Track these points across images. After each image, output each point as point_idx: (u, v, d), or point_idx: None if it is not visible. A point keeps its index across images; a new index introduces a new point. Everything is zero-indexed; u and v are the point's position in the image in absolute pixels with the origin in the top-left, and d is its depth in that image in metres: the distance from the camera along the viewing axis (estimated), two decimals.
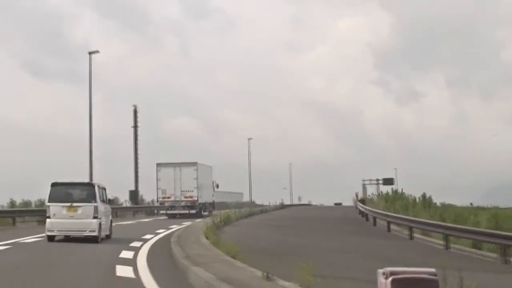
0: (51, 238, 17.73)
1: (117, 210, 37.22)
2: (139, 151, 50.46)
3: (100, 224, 17.81)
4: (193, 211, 36.85)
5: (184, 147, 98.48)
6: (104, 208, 18.81)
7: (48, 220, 17.70)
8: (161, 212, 38.60)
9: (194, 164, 38.07)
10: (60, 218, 17.56)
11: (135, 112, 50.57)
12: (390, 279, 4.15)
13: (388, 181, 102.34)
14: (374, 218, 29.14)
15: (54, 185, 18.24)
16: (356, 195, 43.09)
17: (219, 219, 22.89)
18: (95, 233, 17.56)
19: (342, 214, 39.57)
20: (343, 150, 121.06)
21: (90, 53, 34.70)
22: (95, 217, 17.57)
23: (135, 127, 49.80)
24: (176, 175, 37.19)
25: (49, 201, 18.05)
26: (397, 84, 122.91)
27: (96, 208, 17.68)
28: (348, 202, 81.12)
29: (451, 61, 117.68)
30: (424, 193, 32.89)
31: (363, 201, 40.39)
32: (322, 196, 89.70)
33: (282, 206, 50.14)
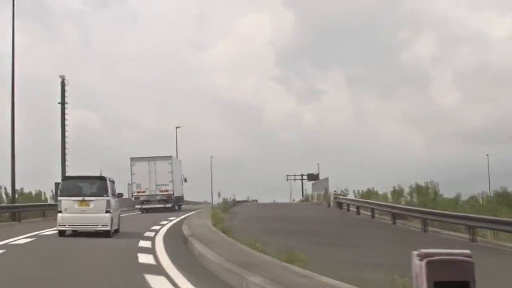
0: (62, 233, 17.66)
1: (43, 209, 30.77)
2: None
3: (112, 218, 17.75)
4: (169, 205, 36.80)
5: (84, 142, 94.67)
6: (114, 202, 18.57)
7: (59, 214, 17.61)
8: (136, 206, 37.69)
9: (169, 157, 38.42)
10: (72, 213, 17.50)
11: (63, 85, 42.15)
12: (425, 261, 4.14)
13: (313, 177, 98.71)
14: (393, 216, 24.89)
15: (65, 179, 19.09)
16: (326, 190, 41.25)
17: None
18: (108, 227, 17.54)
19: (319, 214, 33.91)
20: (247, 146, 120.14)
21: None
22: (107, 211, 17.57)
23: (63, 103, 41.31)
24: (150, 169, 36.89)
25: (60, 195, 17.98)
26: (298, 81, 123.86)
27: (108, 202, 17.65)
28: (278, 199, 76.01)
29: (352, 61, 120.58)
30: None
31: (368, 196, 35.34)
32: (237, 191, 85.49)
33: (235, 203, 43.39)
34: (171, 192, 37.57)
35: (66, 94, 40.92)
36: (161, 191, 37.26)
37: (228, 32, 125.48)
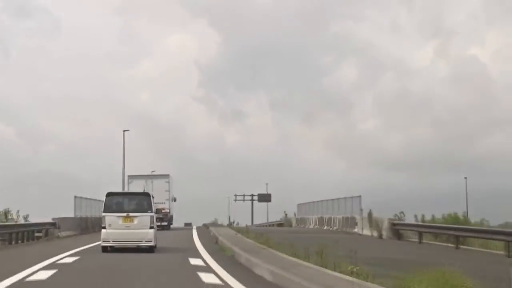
0: (105, 249, 17.57)
1: None
2: None
3: (155, 234, 17.92)
4: (165, 223, 36.36)
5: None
6: (155, 218, 18.63)
7: (103, 230, 17.63)
8: None
9: (166, 176, 38.44)
10: (116, 229, 17.48)
11: None
12: None
13: (265, 197, 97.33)
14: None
15: (109, 195, 18.34)
16: (370, 214, 31.04)
17: None
18: (152, 243, 17.64)
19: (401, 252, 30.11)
20: (169, 165, 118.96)
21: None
22: (151, 227, 17.64)
23: None
24: (148, 187, 35.85)
25: (104, 211, 17.90)
26: (221, 102, 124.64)
27: (152, 218, 17.79)
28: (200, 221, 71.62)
29: (276, 84, 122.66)
30: None
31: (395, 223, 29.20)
32: None
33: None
34: (168, 211, 37.81)
35: None
36: (158, 209, 36.64)
37: (153, 50, 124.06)
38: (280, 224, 56.84)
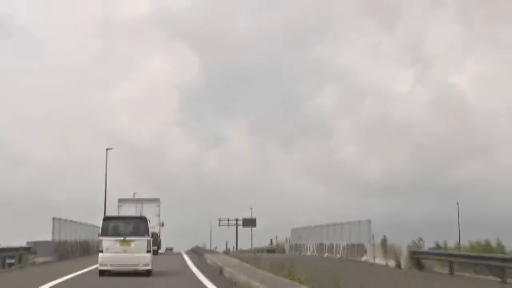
0: (103, 273, 17.48)
1: None
2: None
3: (152, 258, 17.95)
4: (155, 247, 33.88)
5: None
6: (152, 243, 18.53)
7: (100, 254, 17.58)
8: None
9: (156, 200, 38.03)
10: (113, 252, 17.45)
11: None
12: None
13: (250, 222, 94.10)
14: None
15: (106, 219, 18.72)
16: (384, 241, 27.85)
17: None
18: (149, 267, 17.64)
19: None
20: (148, 188, 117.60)
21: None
22: (148, 251, 17.70)
23: None
24: (137, 212, 35.66)
25: (101, 235, 17.84)
26: (201, 127, 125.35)
27: (149, 242, 17.82)
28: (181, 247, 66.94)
29: (255, 109, 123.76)
30: None
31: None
32: None
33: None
34: (158, 235, 36.10)
35: None
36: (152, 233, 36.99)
37: (132, 73, 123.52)
38: (270, 250, 53.51)
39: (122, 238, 17.62)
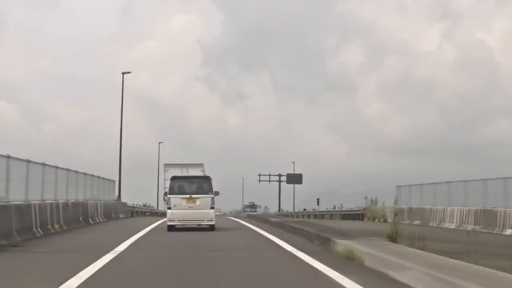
0: (171, 228, 18.86)
1: None
2: None
3: (215, 214, 19.60)
4: None
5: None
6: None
7: (169, 211, 19.06)
8: None
9: (201, 165, 39.10)
10: (180, 209, 18.88)
11: None
12: None
13: (295, 178, 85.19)
14: None
15: (173, 178, 20.00)
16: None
17: None
18: (213, 222, 19.22)
19: None
20: (169, 147, 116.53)
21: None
22: (212, 208, 19.18)
23: None
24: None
25: (169, 193, 19.37)
26: (224, 83, 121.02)
27: (213, 199, 19.22)
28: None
29: (279, 65, 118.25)
30: None
31: None
32: None
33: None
34: None
35: None
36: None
37: (155, 30, 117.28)
38: (356, 216, 40.17)
39: (188, 195, 19.08)
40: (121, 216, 32.26)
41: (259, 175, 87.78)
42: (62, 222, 18.23)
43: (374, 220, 34.57)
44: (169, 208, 19.01)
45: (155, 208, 79.21)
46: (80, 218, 21.36)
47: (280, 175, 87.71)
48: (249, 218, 32.74)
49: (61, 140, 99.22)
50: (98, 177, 26.89)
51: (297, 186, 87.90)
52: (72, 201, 20.88)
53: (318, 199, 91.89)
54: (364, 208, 38.12)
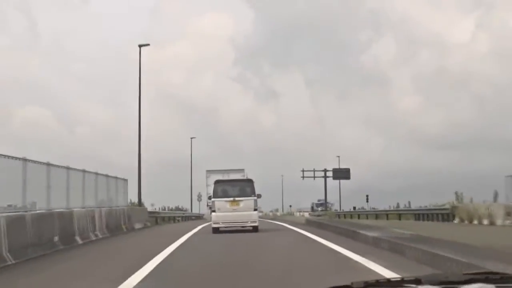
0: (216, 230, 19.32)
1: None
2: None
3: (258, 216, 20.19)
4: None
5: (35, 140, 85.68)
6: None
7: (213, 213, 19.64)
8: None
9: (241, 170, 40.44)
10: (224, 212, 19.39)
11: None
12: None
13: (342, 174, 76.49)
14: None
15: (217, 182, 20.69)
16: None
17: None
18: (256, 224, 19.53)
19: None
20: (203, 146, 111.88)
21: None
22: (255, 209, 19.78)
23: None
24: None
25: (213, 197, 19.89)
26: (256, 81, 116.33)
27: (255, 201, 19.80)
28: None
29: (311, 61, 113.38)
30: None
31: None
32: None
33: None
34: None
35: None
36: None
37: (186, 29, 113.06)
38: (437, 216, 32.59)
39: (231, 198, 19.60)
40: (137, 226, 24.51)
41: (303, 171, 79.45)
42: (4, 253, 10.33)
43: (470, 221, 25.79)
44: (214, 211, 19.58)
45: (189, 210, 72.32)
46: (56, 238, 13.42)
47: (326, 170, 79.20)
48: (312, 225, 23.98)
49: (95, 143, 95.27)
50: (97, 173, 19.10)
51: (334, 182, 79.68)
52: (38, 211, 12.99)
53: (367, 196, 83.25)
54: (454, 206, 29.26)
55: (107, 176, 20.67)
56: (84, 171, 16.96)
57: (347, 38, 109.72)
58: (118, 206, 22.30)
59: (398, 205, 48.35)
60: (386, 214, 43.23)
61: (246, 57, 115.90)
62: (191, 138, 68.66)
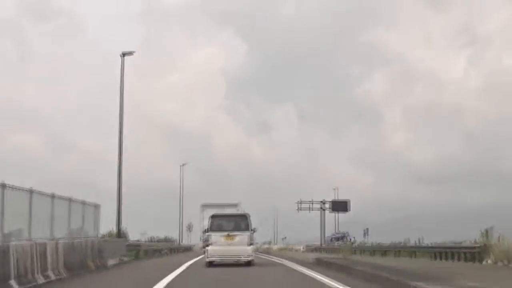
0: (211, 263, 19.78)
1: None
2: None
3: (252, 250, 20.73)
4: None
5: (23, 167, 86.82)
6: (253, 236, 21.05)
7: (209, 247, 20.10)
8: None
9: (236, 205, 39.80)
10: (220, 246, 19.86)
11: None
12: None
13: (340, 206, 72.16)
14: None
15: (213, 216, 21.00)
16: None
17: None
18: (251, 258, 20.08)
19: None
20: (195, 177, 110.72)
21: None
22: (250, 244, 20.22)
23: None
24: None
25: (210, 231, 20.42)
26: (248, 114, 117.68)
27: (250, 236, 20.29)
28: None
29: (303, 94, 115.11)
30: None
31: None
32: None
33: None
34: None
35: None
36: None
37: (181, 61, 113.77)
38: (460, 256, 27.51)
39: (226, 233, 20.03)
40: (111, 262, 20.11)
41: (299, 202, 74.96)
42: None
43: (509, 262, 21.46)
44: (209, 245, 19.95)
45: (178, 241, 67.28)
46: None
47: (323, 202, 74.80)
48: (330, 268, 18.49)
49: (85, 170, 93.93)
50: (53, 196, 14.65)
51: (328, 215, 74.84)
52: None
53: (366, 229, 78.79)
54: (485, 244, 24.88)
55: (70, 200, 16.28)
56: (31, 191, 12.59)
57: (341, 73, 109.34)
58: (83, 237, 17.89)
59: (408, 241, 43.89)
60: (398, 251, 38.78)
61: (238, 88, 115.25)
62: (182, 165, 65.17)
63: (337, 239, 77.59)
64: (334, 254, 37.73)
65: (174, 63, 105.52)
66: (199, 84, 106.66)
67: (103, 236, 24.60)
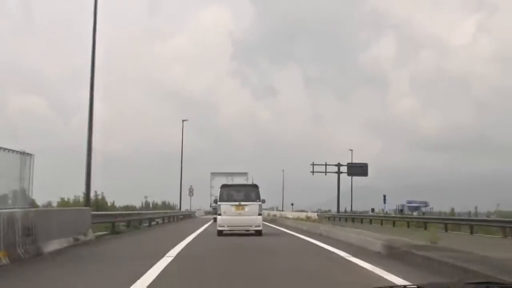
0: (220, 233, 20.34)
1: None
2: None
3: (262, 220, 21.19)
4: None
5: (29, 128, 66.44)
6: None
7: (219, 217, 20.65)
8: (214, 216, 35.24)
9: (245, 174, 42.89)
10: (230, 215, 20.39)
11: None
12: None
13: (358, 170, 64.82)
14: None
15: (223, 186, 21.75)
16: None
17: None
18: (260, 228, 20.54)
19: None
20: (203, 142, 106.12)
21: None
22: (259, 214, 20.63)
23: None
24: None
25: (219, 201, 20.83)
26: (254, 77, 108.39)
27: (260, 206, 20.70)
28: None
29: (310, 60, 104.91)
30: None
31: None
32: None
33: None
34: None
35: None
36: None
37: (186, 24, 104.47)
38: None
39: (237, 203, 20.55)
40: (53, 246, 12.74)
41: (313, 164, 67.73)
42: None
43: None
44: (219, 214, 20.44)
45: (177, 208, 59.99)
46: None
47: (339, 165, 67.49)
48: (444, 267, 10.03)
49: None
50: None
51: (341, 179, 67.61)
52: None
53: (384, 196, 71.78)
54: None
55: None
56: None
57: (348, 37, 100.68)
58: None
59: (452, 211, 36.63)
60: (425, 223, 31.24)
61: (244, 52, 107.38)
62: (183, 120, 57.90)
63: (412, 208, 69.97)
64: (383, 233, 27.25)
65: (179, 26, 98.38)
66: (205, 47, 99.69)
67: (48, 204, 17.30)
